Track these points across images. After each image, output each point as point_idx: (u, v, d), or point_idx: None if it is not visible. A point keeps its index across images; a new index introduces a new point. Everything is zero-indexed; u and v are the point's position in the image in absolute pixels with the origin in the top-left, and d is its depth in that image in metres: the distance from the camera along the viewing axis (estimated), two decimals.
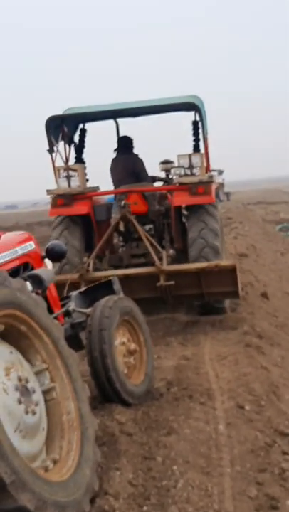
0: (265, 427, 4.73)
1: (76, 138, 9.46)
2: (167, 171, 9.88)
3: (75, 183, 8.63)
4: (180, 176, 8.58)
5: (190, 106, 8.79)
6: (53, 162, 8.75)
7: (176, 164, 9.01)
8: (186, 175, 8.54)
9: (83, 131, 9.52)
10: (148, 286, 7.98)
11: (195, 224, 8.52)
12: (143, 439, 4.52)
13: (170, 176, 9.65)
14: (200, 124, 8.89)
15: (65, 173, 8.64)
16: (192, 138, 9.19)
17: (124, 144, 9.63)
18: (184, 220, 9.14)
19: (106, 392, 5.03)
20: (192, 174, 8.54)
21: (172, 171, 8.98)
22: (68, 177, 8.62)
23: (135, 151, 9.69)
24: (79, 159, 9.41)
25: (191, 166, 8.55)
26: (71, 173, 8.64)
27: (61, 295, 7.34)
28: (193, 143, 9.20)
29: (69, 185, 8.62)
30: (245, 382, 5.56)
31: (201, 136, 9.01)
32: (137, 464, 4.11)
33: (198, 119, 8.94)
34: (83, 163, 9.33)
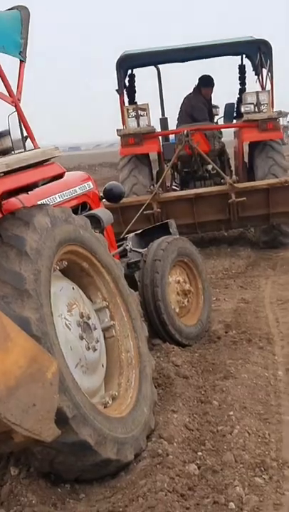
0: None
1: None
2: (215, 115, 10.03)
3: (144, 122, 8.62)
4: (248, 113, 8.55)
5: (262, 43, 8.91)
6: (122, 102, 8.77)
7: (220, 110, 9.53)
8: (254, 112, 8.54)
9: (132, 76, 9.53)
10: (217, 207, 8.22)
11: (264, 160, 8.60)
12: (199, 382, 4.48)
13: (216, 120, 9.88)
14: (268, 63, 8.84)
15: (134, 113, 8.56)
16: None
17: (199, 83, 9.62)
18: (245, 159, 9.30)
19: (153, 322, 4.94)
20: (260, 111, 8.54)
21: (242, 108, 8.91)
22: (137, 116, 8.59)
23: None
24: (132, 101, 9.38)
25: (258, 103, 8.50)
26: (140, 112, 8.60)
27: (133, 217, 7.38)
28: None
29: (138, 124, 8.62)
30: None
31: (265, 74, 9.05)
32: (192, 408, 4.05)
33: (263, 59, 9.03)
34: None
